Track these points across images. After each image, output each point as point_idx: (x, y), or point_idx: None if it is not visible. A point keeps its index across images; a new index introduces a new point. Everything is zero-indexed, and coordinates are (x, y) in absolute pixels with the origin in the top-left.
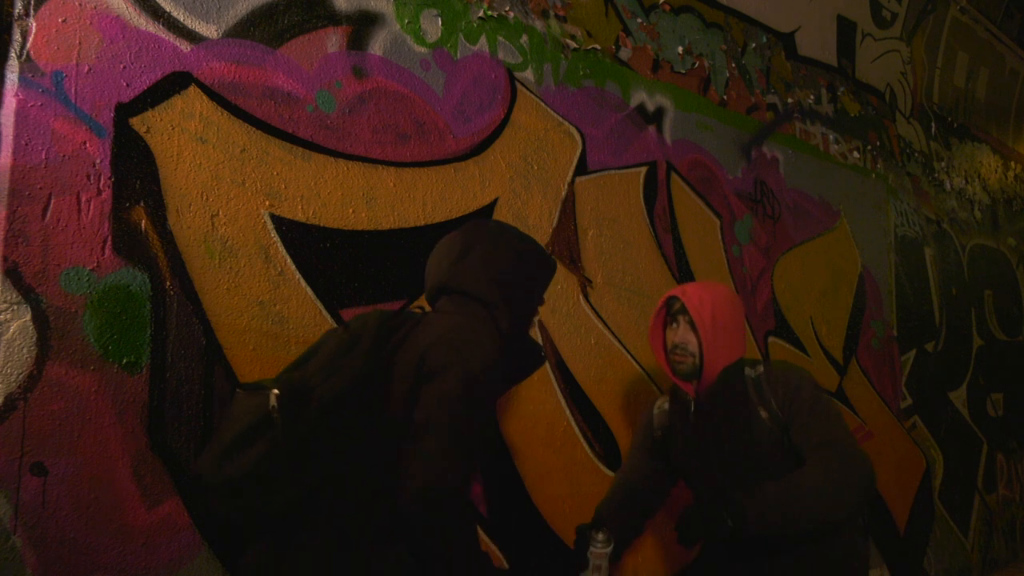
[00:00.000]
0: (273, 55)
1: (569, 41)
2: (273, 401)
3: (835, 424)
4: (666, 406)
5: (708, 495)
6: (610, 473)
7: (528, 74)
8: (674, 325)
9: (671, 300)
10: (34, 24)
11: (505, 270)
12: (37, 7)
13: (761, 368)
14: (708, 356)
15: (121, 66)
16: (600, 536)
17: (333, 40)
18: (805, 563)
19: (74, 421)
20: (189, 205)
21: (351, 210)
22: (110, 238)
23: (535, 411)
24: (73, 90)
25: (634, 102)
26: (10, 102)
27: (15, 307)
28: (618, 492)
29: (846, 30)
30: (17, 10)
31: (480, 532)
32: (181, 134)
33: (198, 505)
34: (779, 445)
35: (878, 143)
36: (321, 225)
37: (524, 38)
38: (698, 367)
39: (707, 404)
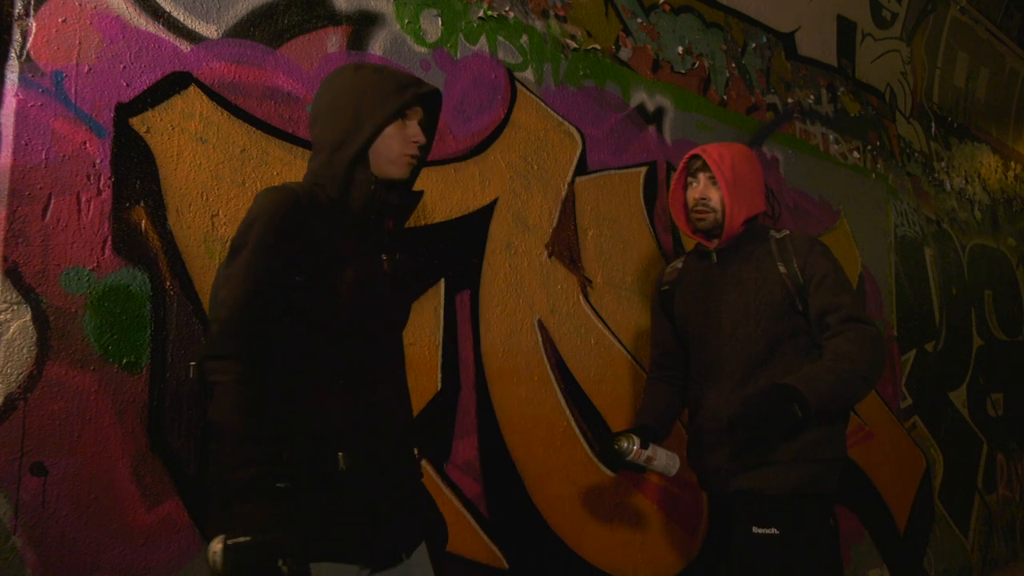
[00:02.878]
0: (273, 55)
1: (569, 41)
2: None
3: (851, 294)
4: (679, 265)
5: (709, 351)
6: (611, 473)
7: (528, 74)
8: (694, 183)
9: (692, 159)
10: (34, 24)
11: (311, 113)
12: (37, 7)
13: (787, 232)
14: (730, 208)
15: (121, 66)
16: (624, 446)
17: (333, 40)
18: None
19: (74, 421)
20: (189, 205)
21: None
22: (110, 238)
23: (535, 411)
24: (73, 90)
25: (634, 102)
26: (10, 102)
27: (15, 307)
28: (650, 392)
29: (846, 30)
30: (17, 10)
31: (480, 532)
32: (181, 134)
33: (198, 505)
34: (791, 300)
35: (878, 143)
36: None
37: (524, 38)
38: (719, 222)
39: (729, 253)
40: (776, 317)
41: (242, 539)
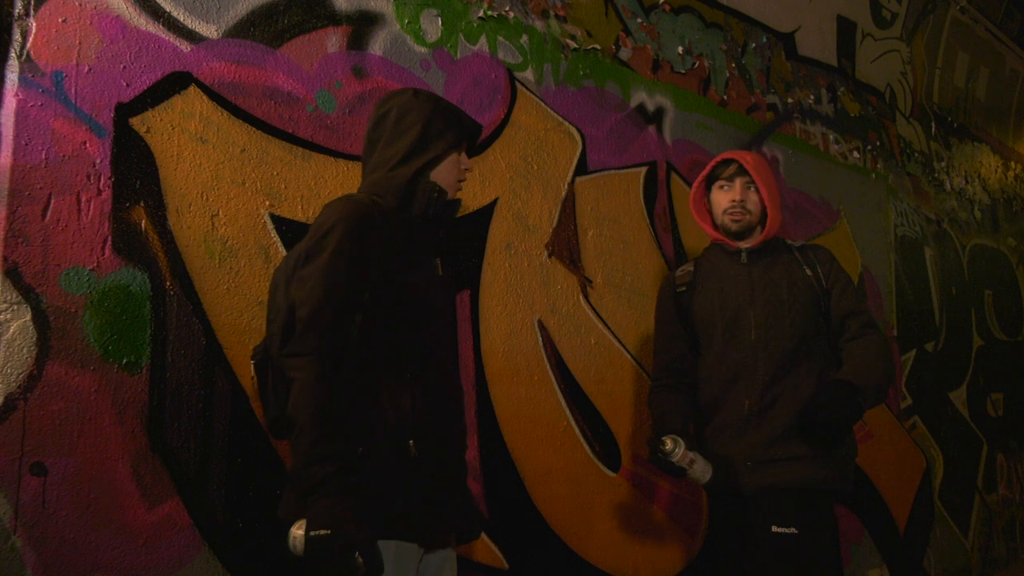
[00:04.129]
0: (273, 55)
1: (569, 41)
2: (252, 371)
3: (864, 304)
4: (691, 268)
5: (739, 349)
6: (610, 473)
7: (528, 74)
8: (725, 187)
9: (724, 163)
10: (34, 24)
11: (368, 134)
12: (37, 7)
13: (802, 242)
14: (772, 214)
15: (121, 66)
16: (668, 447)
17: (333, 40)
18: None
19: (74, 421)
20: (189, 205)
21: None
22: (110, 238)
23: (535, 411)
24: (73, 90)
25: (634, 102)
26: (10, 102)
27: (15, 307)
28: (666, 400)
29: (846, 30)
30: (17, 10)
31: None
32: (181, 134)
33: (198, 505)
34: (817, 301)
35: (878, 143)
36: None
37: (524, 38)
38: (753, 224)
39: (757, 255)
40: (806, 317)
41: (323, 532)
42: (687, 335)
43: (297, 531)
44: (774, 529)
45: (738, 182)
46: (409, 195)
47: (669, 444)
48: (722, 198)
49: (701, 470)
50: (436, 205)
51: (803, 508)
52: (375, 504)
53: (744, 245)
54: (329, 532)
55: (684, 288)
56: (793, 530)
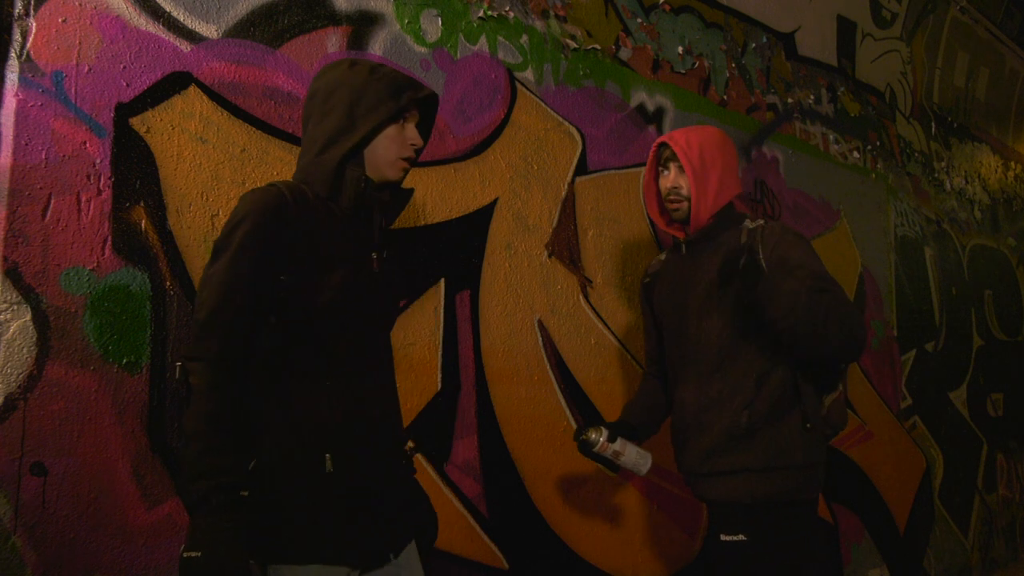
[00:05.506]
0: (273, 55)
1: (569, 41)
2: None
3: (825, 275)
4: (663, 257)
5: (680, 345)
6: (610, 473)
7: (528, 74)
8: (665, 172)
9: (660, 147)
10: (34, 24)
11: (303, 111)
12: (37, 7)
13: (762, 222)
14: (696, 197)
15: (121, 66)
16: (591, 437)
17: (333, 40)
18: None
19: (74, 421)
20: (189, 205)
21: None
22: (110, 238)
23: (535, 411)
24: (73, 90)
25: (634, 102)
26: (10, 102)
27: (15, 307)
28: (640, 389)
29: (846, 30)
30: (17, 10)
31: (480, 532)
32: (181, 134)
33: None
34: (754, 292)
35: (878, 143)
36: None
37: (524, 38)
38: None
39: (699, 243)
40: (741, 310)
41: (194, 554)
42: (656, 326)
43: (181, 553)
44: (722, 537)
45: (672, 167)
46: (337, 184)
47: (592, 435)
48: (661, 185)
49: (633, 462)
50: (365, 197)
51: (753, 515)
52: (282, 525)
53: (682, 236)
54: (199, 555)
55: (649, 280)
56: (742, 537)
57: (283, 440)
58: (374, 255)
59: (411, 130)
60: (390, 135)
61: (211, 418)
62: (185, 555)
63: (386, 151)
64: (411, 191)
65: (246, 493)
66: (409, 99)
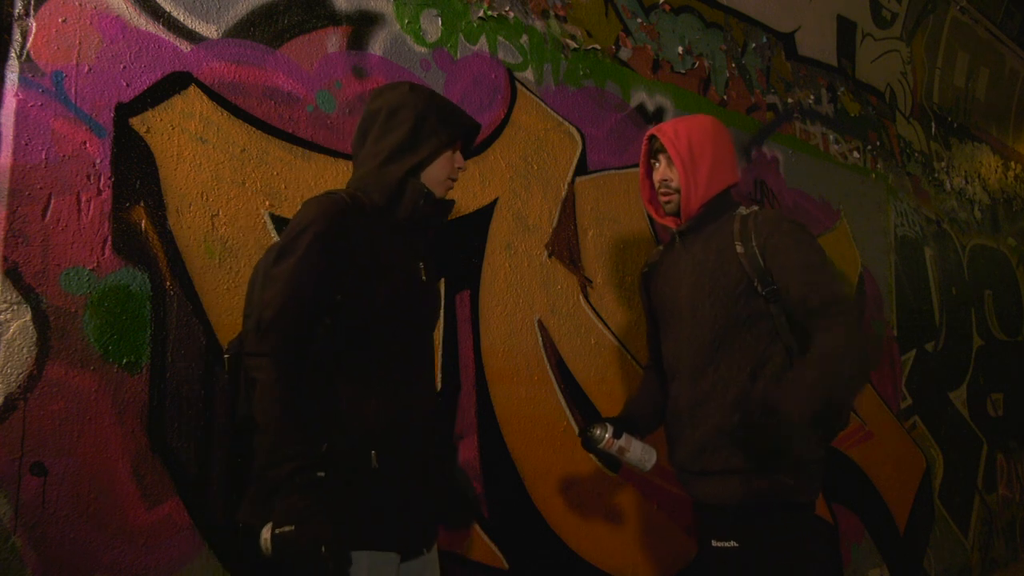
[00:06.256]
0: (273, 55)
1: (569, 41)
2: (225, 366)
3: (824, 271)
4: (661, 248)
5: (673, 339)
6: (611, 473)
7: (528, 74)
8: (656, 164)
9: (651, 139)
10: (34, 24)
11: (360, 124)
12: (37, 7)
13: (756, 208)
14: (685, 188)
15: (121, 66)
16: (596, 433)
17: (333, 40)
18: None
19: (74, 421)
20: (189, 205)
21: None
22: (110, 238)
23: (535, 411)
24: (73, 90)
25: (634, 102)
26: (10, 102)
27: (15, 307)
28: (641, 383)
29: (846, 30)
30: (17, 10)
31: (480, 532)
32: (181, 134)
33: (198, 505)
34: (748, 282)
35: (878, 143)
36: None
37: (524, 38)
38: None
39: (692, 234)
40: (732, 301)
41: (287, 528)
42: (654, 317)
43: (265, 533)
44: (714, 543)
45: (662, 159)
46: (398, 196)
47: (597, 430)
48: (654, 179)
49: (638, 457)
50: (424, 209)
51: (745, 520)
52: (342, 510)
53: (674, 226)
54: (293, 528)
55: (647, 269)
56: (733, 544)
57: (334, 437)
58: (422, 265)
59: (459, 157)
60: (446, 158)
61: (282, 408)
62: (277, 531)
63: (439, 171)
64: (453, 201)
65: (323, 474)
66: (464, 128)
